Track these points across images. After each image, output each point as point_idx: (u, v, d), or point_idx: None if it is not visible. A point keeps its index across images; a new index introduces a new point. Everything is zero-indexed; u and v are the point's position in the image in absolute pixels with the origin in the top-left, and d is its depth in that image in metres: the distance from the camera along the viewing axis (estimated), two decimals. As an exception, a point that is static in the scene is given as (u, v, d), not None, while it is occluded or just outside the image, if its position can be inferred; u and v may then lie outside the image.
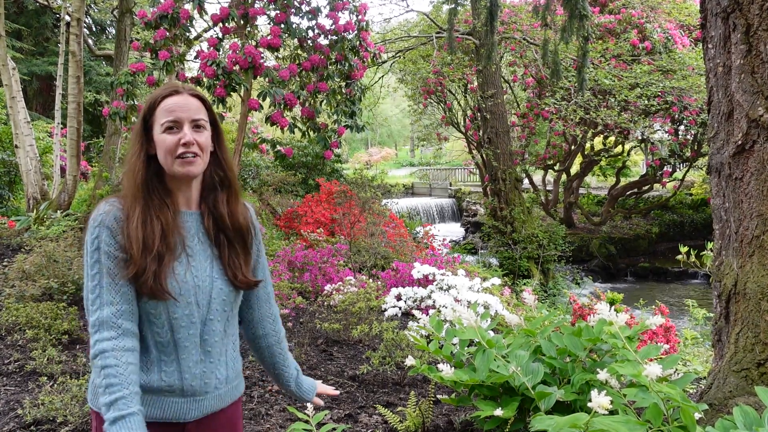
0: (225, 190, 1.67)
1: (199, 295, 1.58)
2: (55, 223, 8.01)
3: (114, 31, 19.04)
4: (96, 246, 1.48)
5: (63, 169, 10.77)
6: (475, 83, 13.79)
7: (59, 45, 12.44)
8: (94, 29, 22.69)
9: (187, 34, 7.12)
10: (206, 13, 6.88)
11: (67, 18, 10.28)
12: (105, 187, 9.69)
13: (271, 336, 1.85)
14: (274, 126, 7.02)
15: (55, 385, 3.62)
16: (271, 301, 1.86)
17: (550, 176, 16.96)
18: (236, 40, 6.89)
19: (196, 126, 1.57)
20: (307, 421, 2.51)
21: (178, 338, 1.55)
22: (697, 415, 1.94)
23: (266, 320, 1.84)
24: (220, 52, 6.80)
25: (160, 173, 1.59)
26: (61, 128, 11.59)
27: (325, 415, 2.82)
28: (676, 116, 12.58)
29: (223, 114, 7.07)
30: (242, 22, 6.99)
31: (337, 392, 2.08)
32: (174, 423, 1.57)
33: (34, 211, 9.02)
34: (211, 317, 1.61)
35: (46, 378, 3.69)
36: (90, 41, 17.03)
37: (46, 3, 15.34)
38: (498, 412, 2.24)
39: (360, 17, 7.25)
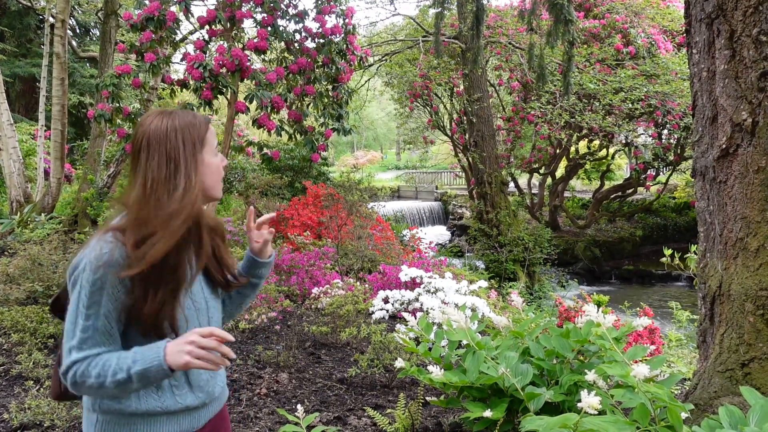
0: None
1: (200, 317, 1.60)
2: (39, 226, 7.94)
3: (98, 33, 18.89)
4: (99, 286, 1.38)
5: (47, 172, 10.69)
6: (462, 87, 13.84)
7: (43, 46, 12.35)
8: (78, 31, 22.49)
9: (174, 36, 7.08)
10: (192, 16, 6.85)
11: (52, 20, 10.20)
12: (90, 189, 9.60)
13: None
14: (261, 129, 7.00)
15: (42, 389, 3.59)
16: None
17: (536, 179, 17.06)
18: (223, 42, 6.87)
19: None
20: (297, 424, 2.52)
21: None
22: (683, 415, 1.97)
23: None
24: (207, 55, 6.77)
25: None
26: (45, 130, 11.50)
27: (315, 417, 2.83)
28: (660, 120, 12.70)
29: (210, 117, 7.04)
30: (229, 24, 6.97)
31: (273, 214, 2.04)
32: None
33: (18, 214, 8.95)
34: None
35: (32, 382, 3.66)
36: (74, 43, 16.91)
37: (29, 4, 15.22)
38: (487, 413, 2.25)
39: (347, 21, 7.25)
